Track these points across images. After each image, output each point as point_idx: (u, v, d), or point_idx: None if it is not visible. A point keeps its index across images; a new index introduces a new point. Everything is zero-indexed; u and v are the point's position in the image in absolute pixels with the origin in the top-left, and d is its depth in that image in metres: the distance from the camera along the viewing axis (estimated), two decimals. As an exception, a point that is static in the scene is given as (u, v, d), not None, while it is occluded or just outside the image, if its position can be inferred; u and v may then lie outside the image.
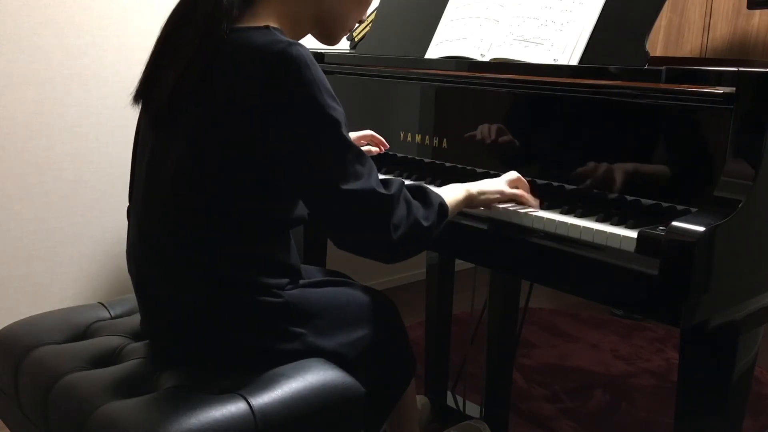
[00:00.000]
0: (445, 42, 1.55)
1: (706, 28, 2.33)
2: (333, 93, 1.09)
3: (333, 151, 1.08)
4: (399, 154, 1.59)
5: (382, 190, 1.10)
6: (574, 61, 1.33)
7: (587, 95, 1.26)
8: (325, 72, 1.13)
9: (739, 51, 2.27)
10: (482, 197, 1.27)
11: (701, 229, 0.99)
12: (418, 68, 1.56)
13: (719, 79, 1.10)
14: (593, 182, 1.26)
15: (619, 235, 1.10)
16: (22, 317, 1.32)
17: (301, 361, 1.16)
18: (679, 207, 1.15)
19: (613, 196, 1.23)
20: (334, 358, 1.19)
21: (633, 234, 1.08)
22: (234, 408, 1.03)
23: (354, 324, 1.24)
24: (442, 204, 1.19)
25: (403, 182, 1.15)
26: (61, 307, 1.41)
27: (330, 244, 2.07)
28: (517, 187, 1.29)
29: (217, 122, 1.08)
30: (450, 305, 2.05)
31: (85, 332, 1.29)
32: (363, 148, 1.42)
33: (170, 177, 1.11)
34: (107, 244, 2.25)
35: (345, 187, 1.07)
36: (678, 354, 1.16)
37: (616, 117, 1.24)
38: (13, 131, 2.01)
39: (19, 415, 1.20)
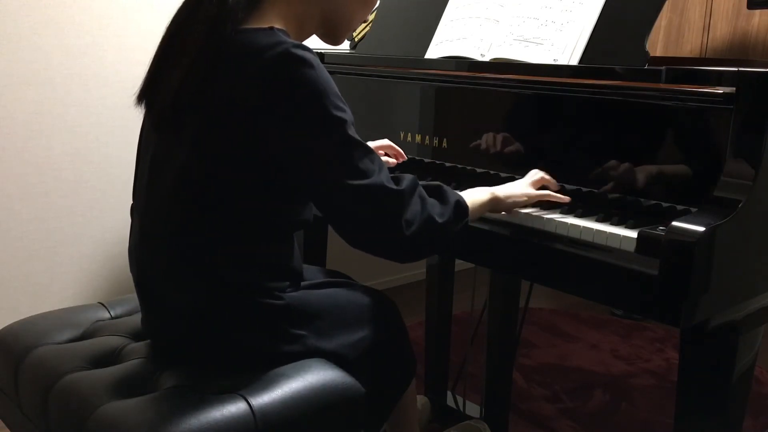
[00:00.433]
0: (445, 42, 1.55)
1: (706, 28, 2.33)
2: (338, 93, 1.09)
3: (340, 150, 1.08)
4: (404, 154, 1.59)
5: (393, 186, 1.09)
6: (574, 61, 1.33)
7: (587, 95, 1.26)
8: (325, 72, 1.13)
9: (739, 51, 2.27)
10: (509, 201, 1.24)
11: (701, 229, 0.99)
12: (418, 68, 1.56)
13: (719, 79, 1.10)
14: (593, 182, 1.26)
15: (619, 235, 1.10)
16: (22, 317, 1.32)
17: (302, 361, 1.16)
18: (679, 207, 1.15)
19: (613, 196, 1.23)
20: (334, 359, 1.19)
21: (633, 234, 1.08)
22: (234, 408, 1.03)
23: (354, 325, 1.24)
24: (460, 202, 1.17)
25: (416, 178, 1.14)
26: (61, 307, 1.41)
27: (330, 244, 2.08)
28: (544, 187, 1.27)
29: (222, 123, 1.08)
30: (450, 305, 2.05)
31: (85, 332, 1.29)
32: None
33: (173, 178, 1.11)
34: (107, 244, 2.25)
35: (354, 183, 1.06)
36: (678, 354, 1.16)
37: (616, 117, 1.24)
38: (13, 131, 2.01)
39: (19, 415, 1.20)
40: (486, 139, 1.42)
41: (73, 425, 1.04)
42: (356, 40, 1.84)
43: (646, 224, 1.10)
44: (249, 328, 1.14)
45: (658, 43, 2.45)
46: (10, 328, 1.29)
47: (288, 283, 1.19)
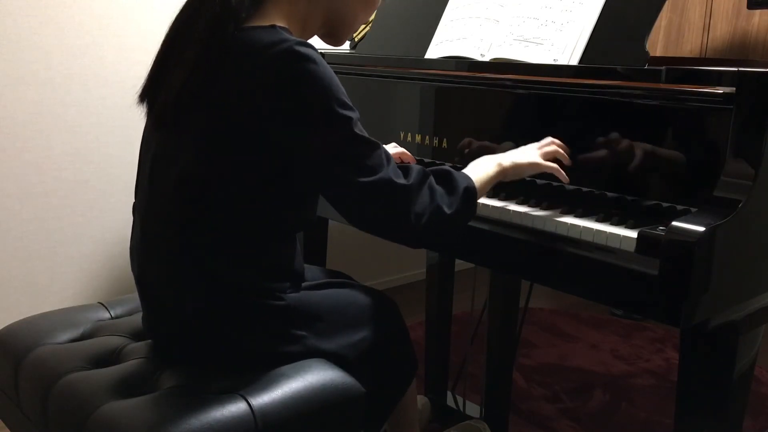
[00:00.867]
0: (445, 42, 1.55)
1: (706, 28, 2.33)
2: (343, 90, 1.09)
3: (346, 147, 1.08)
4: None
5: (401, 180, 1.10)
6: (574, 61, 1.33)
7: (587, 95, 1.26)
8: (326, 72, 1.13)
9: (739, 51, 2.27)
10: (516, 170, 1.24)
11: (701, 229, 0.99)
12: (418, 68, 1.56)
13: (719, 79, 1.10)
14: (593, 182, 1.26)
15: (619, 235, 1.10)
16: (22, 317, 1.32)
17: (302, 361, 1.16)
18: (679, 207, 1.15)
19: (613, 196, 1.23)
20: (335, 359, 1.19)
21: (633, 234, 1.08)
22: (234, 408, 1.03)
23: (355, 325, 1.24)
24: (468, 188, 1.16)
25: (424, 169, 1.14)
26: (61, 307, 1.41)
27: (330, 244, 2.08)
28: (551, 153, 1.25)
29: (225, 122, 1.08)
30: (450, 305, 2.05)
31: (85, 332, 1.29)
32: None
33: (176, 178, 1.11)
34: (107, 244, 2.25)
35: (362, 180, 1.07)
36: (678, 354, 1.16)
37: (616, 117, 1.24)
38: (13, 131, 2.01)
39: (19, 415, 1.20)
40: (485, 139, 1.42)
41: (73, 425, 1.04)
42: (356, 40, 1.84)
43: (646, 224, 1.10)
44: (249, 328, 1.14)
45: (658, 43, 2.45)
46: (10, 328, 1.29)
47: (289, 283, 1.19)
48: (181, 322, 1.16)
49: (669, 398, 2.19)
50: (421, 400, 1.96)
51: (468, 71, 1.46)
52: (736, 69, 1.07)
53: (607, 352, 2.53)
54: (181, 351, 1.17)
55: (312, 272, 1.36)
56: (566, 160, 1.26)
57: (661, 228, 1.06)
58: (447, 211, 1.13)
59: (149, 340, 1.24)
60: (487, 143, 1.42)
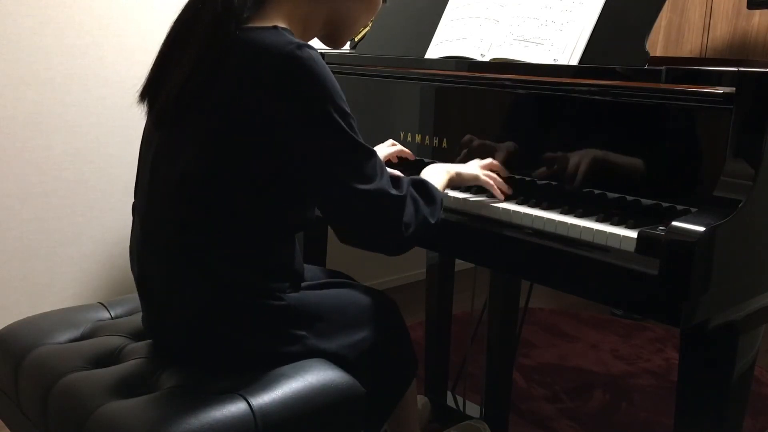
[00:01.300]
0: (445, 42, 1.55)
1: (706, 28, 2.33)
2: (342, 94, 1.09)
3: (346, 153, 1.08)
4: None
5: (394, 191, 1.12)
6: (574, 61, 1.33)
7: (587, 95, 1.26)
8: (326, 72, 1.13)
9: (739, 51, 2.27)
10: (458, 178, 1.33)
11: (701, 229, 0.99)
12: (418, 68, 1.56)
13: (719, 79, 1.10)
14: (593, 182, 1.26)
15: (619, 235, 1.10)
16: (22, 317, 1.32)
17: (302, 361, 1.16)
18: (679, 207, 1.15)
19: (613, 196, 1.23)
20: (335, 359, 1.19)
21: (633, 234, 1.08)
22: (234, 408, 1.03)
23: (355, 326, 1.24)
24: (442, 197, 1.24)
25: (409, 180, 1.18)
26: (61, 307, 1.41)
27: (330, 244, 2.08)
28: (492, 174, 1.34)
29: (226, 123, 1.08)
30: (450, 305, 2.05)
31: (85, 332, 1.29)
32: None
33: (176, 177, 1.11)
34: (107, 244, 2.25)
35: (359, 187, 1.08)
36: (678, 354, 1.16)
37: (616, 117, 1.24)
38: (13, 131, 2.01)
39: (19, 415, 1.20)
40: (485, 139, 1.42)
41: (73, 425, 1.04)
42: (356, 40, 1.84)
43: (646, 224, 1.10)
44: (249, 328, 1.14)
45: (658, 43, 2.45)
46: (10, 328, 1.29)
47: (289, 283, 1.19)
48: (181, 322, 1.16)
49: (669, 398, 2.19)
50: (421, 400, 1.96)
51: (468, 71, 1.46)
52: (736, 69, 1.07)
53: (607, 352, 2.53)
54: (181, 351, 1.17)
55: (312, 272, 1.36)
56: (504, 187, 1.33)
57: (661, 228, 1.06)
58: (431, 220, 1.18)
59: (149, 340, 1.24)
60: (488, 142, 1.42)
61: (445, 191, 1.33)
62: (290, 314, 1.17)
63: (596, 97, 1.25)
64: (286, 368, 1.13)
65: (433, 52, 1.57)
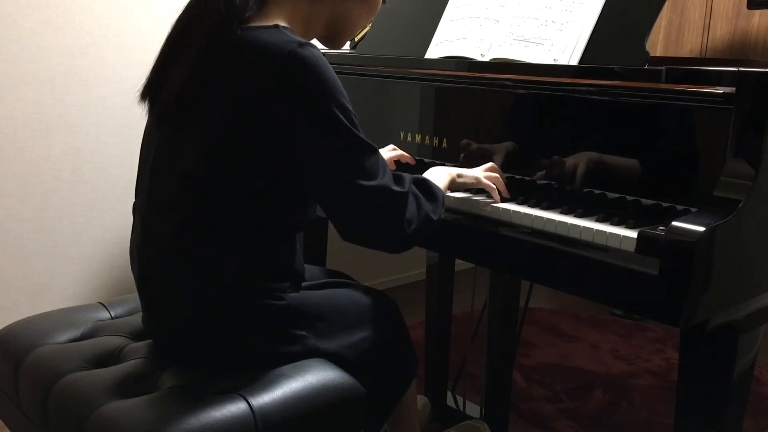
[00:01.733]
0: (445, 42, 1.55)
1: (706, 28, 2.33)
2: (344, 92, 1.09)
3: (349, 150, 1.08)
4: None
5: (397, 188, 1.12)
6: (574, 61, 1.33)
7: (587, 95, 1.26)
8: (326, 72, 1.13)
9: (739, 51, 2.27)
10: (459, 180, 1.32)
11: (701, 229, 0.99)
12: (418, 68, 1.56)
13: (719, 79, 1.10)
14: (593, 182, 1.26)
15: (619, 235, 1.10)
16: (22, 317, 1.32)
17: (302, 361, 1.16)
18: (679, 207, 1.14)
19: (613, 196, 1.23)
20: (335, 359, 1.19)
21: (633, 234, 1.08)
22: (234, 408, 1.03)
23: (355, 326, 1.24)
24: (443, 195, 1.23)
25: (411, 178, 1.18)
26: (61, 307, 1.41)
27: (330, 244, 2.08)
28: (493, 177, 1.33)
29: (227, 122, 1.08)
30: (450, 305, 2.05)
31: (85, 332, 1.29)
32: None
33: (178, 177, 1.11)
34: (107, 244, 2.25)
35: (361, 184, 1.08)
36: (678, 354, 1.16)
37: (616, 117, 1.24)
38: (13, 131, 2.01)
39: (19, 415, 1.20)
40: (485, 139, 1.42)
41: (73, 425, 1.04)
42: (356, 40, 1.84)
43: (646, 224, 1.10)
44: (250, 328, 1.14)
45: (658, 43, 2.45)
46: (10, 328, 1.29)
47: (289, 283, 1.19)
48: (181, 322, 1.16)
49: (669, 398, 2.18)
50: (421, 400, 1.96)
51: (468, 71, 1.46)
52: (736, 69, 1.07)
53: (607, 352, 2.53)
54: (181, 351, 1.17)
55: (312, 272, 1.36)
56: (503, 190, 1.33)
57: (661, 228, 1.06)
58: (434, 217, 1.17)
59: (149, 340, 1.24)
60: (486, 145, 1.42)
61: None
62: (290, 314, 1.17)
63: (596, 97, 1.25)
64: (286, 368, 1.13)
65: (433, 52, 1.57)
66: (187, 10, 1.15)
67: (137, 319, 1.30)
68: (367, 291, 1.33)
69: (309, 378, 1.12)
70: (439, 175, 1.30)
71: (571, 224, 1.16)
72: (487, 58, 1.46)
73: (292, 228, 1.20)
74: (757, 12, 2.21)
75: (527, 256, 1.24)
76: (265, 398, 1.06)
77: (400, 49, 1.67)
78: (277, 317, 1.16)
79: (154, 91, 1.16)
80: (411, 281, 3.12)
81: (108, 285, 2.28)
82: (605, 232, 1.12)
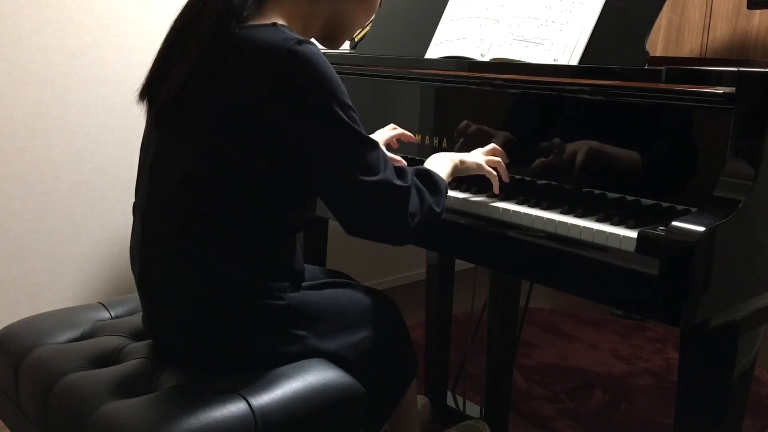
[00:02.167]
0: (445, 42, 1.55)
1: (706, 28, 2.33)
2: (344, 89, 1.09)
3: (350, 146, 1.09)
4: (399, 155, 1.59)
5: (399, 182, 1.12)
6: (574, 61, 1.33)
7: (587, 95, 1.26)
8: (326, 72, 1.13)
9: (739, 51, 2.27)
10: (462, 167, 1.32)
11: (701, 229, 0.99)
12: (418, 68, 1.56)
13: (719, 79, 1.10)
14: (593, 182, 1.26)
15: (619, 235, 1.10)
16: (22, 317, 1.32)
17: (302, 361, 1.16)
18: (679, 207, 1.14)
19: (613, 196, 1.23)
20: (335, 359, 1.19)
21: (633, 234, 1.08)
22: (234, 408, 1.03)
23: (355, 326, 1.24)
24: (446, 186, 1.23)
25: (413, 170, 1.18)
26: (61, 307, 1.41)
27: (330, 244, 2.08)
28: (495, 161, 1.34)
29: (227, 121, 1.08)
30: (450, 305, 2.05)
31: (85, 332, 1.29)
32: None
33: (177, 177, 1.11)
34: (107, 244, 2.25)
35: (363, 179, 1.08)
36: (678, 354, 1.16)
37: (616, 117, 1.24)
38: (13, 131, 2.01)
39: (19, 415, 1.20)
40: (485, 139, 1.42)
41: (73, 425, 1.04)
42: (356, 40, 1.84)
43: (646, 224, 1.10)
44: (249, 328, 1.14)
45: (658, 43, 2.45)
46: (10, 328, 1.29)
47: (289, 283, 1.19)
48: (181, 322, 1.16)
49: (669, 398, 2.18)
50: (421, 400, 1.96)
51: (468, 71, 1.46)
52: (736, 69, 1.07)
53: (607, 352, 2.53)
54: (181, 351, 1.17)
55: (312, 272, 1.36)
56: (504, 175, 1.34)
57: (661, 228, 1.06)
58: (437, 209, 1.17)
59: (149, 340, 1.24)
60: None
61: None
62: (290, 314, 1.17)
63: (596, 97, 1.25)
64: (286, 368, 1.13)
65: (433, 52, 1.57)
66: (186, 9, 1.15)
67: (137, 319, 1.30)
68: (367, 291, 1.32)
69: (309, 378, 1.12)
70: (441, 164, 1.29)
71: (571, 224, 1.16)
72: (487, 58, 1.46)
73: (292, 228, 1.20)
74: (757, 12, 2.21)
75: (527, 256, 1.24)
76: (265, 398, 1.06)
77: (400, 49, 1.67)
78: (277, 317, 1.16)
79: (152, 91, 1.16)
80: (411, 281, 3.12)
81: (108, 285, 2.28)
82: (605, 232, 1.12)
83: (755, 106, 1.06)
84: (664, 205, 1.16)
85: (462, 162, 1.32)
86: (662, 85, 1.17)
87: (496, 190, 1.32)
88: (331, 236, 2.06)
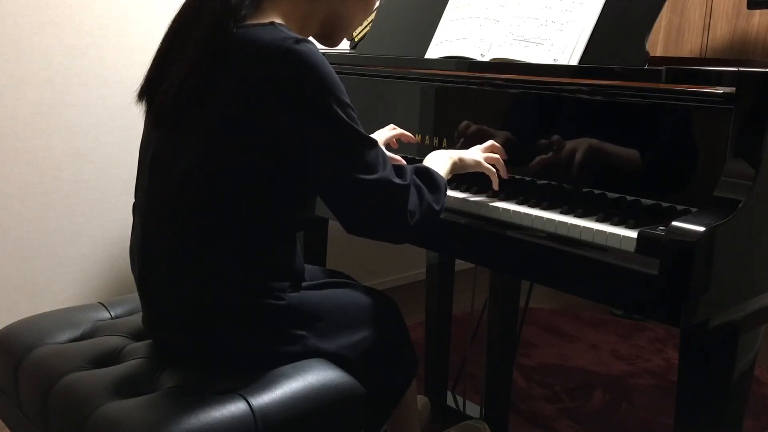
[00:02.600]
0: (445, 42, 1.55)
1: (706, 28, 2.33)
2: (342, 88, 1.09)
3: (349, 145, 1.09)
4: (399, 155, 1.59)
5: (398, 180, 1.12)
6: (574, 61, 1.33)
7: (587, 95, 1.26)
8: (326, 72, 1.13)
9: (739, 51, 2.27)
10: (461, 164, 1.32)
11: (701, 229, 0.99)
12: (418, 68, 1.56)
13: (719, 79, 1.10)
14: (593, 182, 1.26)
15: (619, 235, 1.10)
16: (22, 317, 1.32)
17: (302, 361, 1.16)
18: (679, 207, 1.15)
19: (613, 196, 1.23)
20: (335, 359, 1.19)
21: (633, 234, 1.08)
22: (234, 408, 1.03)
23: (355, 326, 1.24)
24: (445, 183, 1.23)
25: (412, 168, 1.18)
26: (61, 307, 1.41)
27: (330, 244, 2.08)
28: (494, 158, 1.35)
29: (226, 121, 1.08)
30: (450, 305, 2.05)
31: (85, 332, 1.29)
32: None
33: (177, 177, 1.11)
34: (107, 244, 2.25)
35: (363, 178, 1.08)
36: (678, 354, 1.16)
37: (616, 117, 1.24)
38: (13, 131, 2.01)
39: (19, 415, 1.20)
40: (485, 139, 1.42)
41: (73, 425, 1.04)
42: (356, 40, 1.84)
43: (646, 224, 1.10)
44: (249, 328, 1.14)
45: (658, 43, 2.45)
46: (10, 328, 1.29)
47: (289, 283, 1.19)
48: (181, 322, 1.16)
49: (669, 398, 2.18)
50: (421, 400, 1.96)
51: (468, 71, 1.46)
52: (736, 69, 1.07)
53: (607, 352, 2.53)
54: (181, 351, 1.17)
55: (312, 272, 1.36)
56: (503, 171, 1.35)
57: (661, 228, 1.06)
58: (436, 207, 1.17)
59: (149, 340, 1.24)
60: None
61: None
62: (290, 314, 1.17)
63: (596, 97, 1.25)
64: (286, 368, 1.13)
65: (433, 52, 1.57)
66: (184, 9, 1.15)
67: (137, 319, 1.30)
68: (367, 291, 1.32)
69: (309, 378, 1.12)
70: (440, 162, 1.29)
71: (571, 224, 1.16)
72: (487, 58, 1.46)
73: (291, 227, 1.20)
74: (757, 12, 2.21)
75: (527, 256, 1.24)
76: (265, 398, 1.06)
77: (400, 49, 1.67)
78: (277, 317, 1.16)
79: (151, 91, 1.16)
80: (411, 281, 3.12)
81: (108, 285, 2.28)
82: (605, 232, 1.12)
83: (755, 106, 1.06)
84: (664, 205, 1.16)
85: (461, 159, 1.32)
86: (662, 85, 1.17)
87: (495, 186, 1.32)
88: (331, 236, 2.06)
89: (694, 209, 1.10)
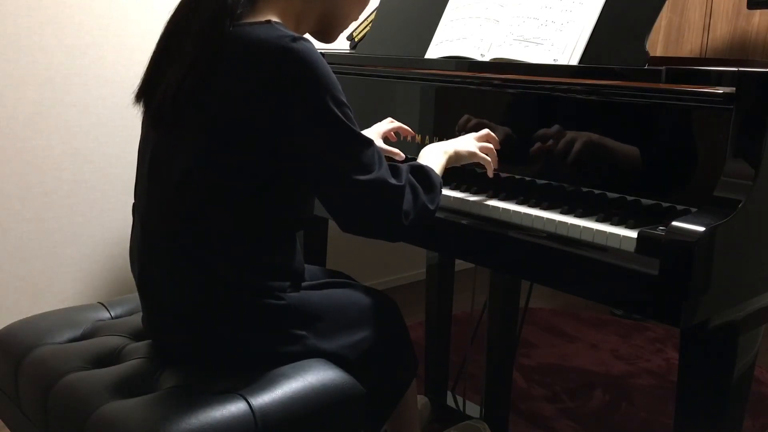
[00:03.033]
0: (445, 42, 1.55)
1: (706, 28, 2.34)
2: (339, 87, 1.09)
3: (345, 144, 1.09)
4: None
5: (393, 181, 1.12)
6: (574, 61, 1.33)
7: (587, 95, 1.26)
8: (326, 72, 1.13)
9: (739, 51, 2.28)
10: (456, 157, 1.33)
11: (701, 229, 0.99)
12: (418, 68, 1.56)
13: (719, 79, 1.10)
14: (593, 182, 1.26)
15: (619, 235, 1.10)
16: (22, 317, 1.32)
17: (302, 361, 1.16)
18: (679, 207, 1.15)
19: (613, 196, 1.23)
20: (335, 359, 1.19)
21: (633, 234, 1.08)
22: (234, 408, 1.03)
23: (355, 326, 1.24)
24: (440, 181, 1.23)
25: (408, 167, 1.18)
26: (61, 307, 1.41)
27: (330, 244, 2.08)
28: (487, 148, 1.35)
29: (224, 120, 1.08)
30: (450, 305, 2.05)
31: (85, 332, 1.29)
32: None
33: (176, 177, 1.11)
34: (107, 244, 2.25)
35: (358, 178, 1.08)
36: (678, 354, 1.16)
37: (616, 117, 1.24)
38: (13, 131, 2.01)
39: (19, 415, 1.20)
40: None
41: (73, 425, 1.04)
42: (356, 40, 1.84)
43: (646, 224, 1.10)
44: (249, 328, 1.14)
45: (658, 43, 2.45)
46: (10, 328, 1.29)
47: (289, 283, 1.19)
48: (181, 322, 1.16)
49: (669, 398, 2.19)
50: (421, 400, 1.96)
51: (468, 71, 1.46)
52: (736, 69, 1.07)
53: (607, 352, 2.53)
54: (181, 351, 1.17)
55: (312, 272, 1.36)
56: (495, 162, 1.36)
57: (661, 228, 1.06)
58: (431, 207, 1.18)
59: (149, 340, 1.24)
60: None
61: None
62: (290, 314, 1.17)
63: (596, 98, 1.25)
64: (286, 368, 1.13)
65: (433, 52, 1.57)
66: (180, 9, 1.15)
67: (137, 319, 1.30)
68: (367, 291, 1.32)
69: (309, 378, 1.12)
70: (435, 157, 1.30)
71: (571, 224, 1.16)
72: (487, 58, 1.46)
73: (290, 227, 1.20)
74: (757, 12, 2.21)
75: (527, 256, 1.24)
76: (265, 398, 1.06)
77: (400, 49, 1.67)
78: (277, 317, 1.16)
79: (149, 92, 1.16)
80: (411, 281, 3.12)
81: (108, 285, 2.28)
82: (605, 232, 1.12)
83: (755, 106, 1.06)
84: (664, 205, 1.16)
85: (456, 152, 1.32)
86: (662, 85, 1.17)
87: (490, 174, 1.34)
88: (331, 236, 2.06)
89: (694, 209, 1.10)
